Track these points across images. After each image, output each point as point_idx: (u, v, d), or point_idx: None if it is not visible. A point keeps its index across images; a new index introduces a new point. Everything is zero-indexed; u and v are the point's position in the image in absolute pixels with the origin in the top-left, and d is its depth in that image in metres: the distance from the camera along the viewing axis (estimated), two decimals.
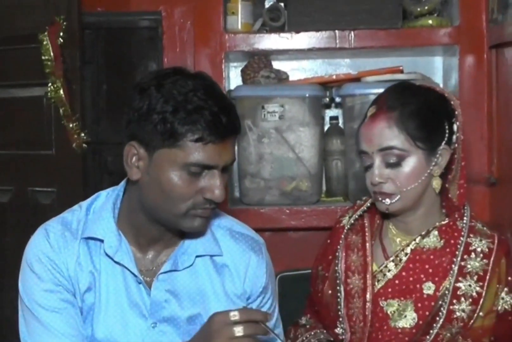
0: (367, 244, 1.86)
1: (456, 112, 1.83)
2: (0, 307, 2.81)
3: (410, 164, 1.77)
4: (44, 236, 1.68)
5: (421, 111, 1.78)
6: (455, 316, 1.77)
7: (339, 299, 1.86)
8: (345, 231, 1.91)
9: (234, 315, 1.50)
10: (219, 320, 1.52)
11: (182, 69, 1.66)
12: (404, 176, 1.77)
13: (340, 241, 1.90)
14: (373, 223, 1.90)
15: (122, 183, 1.74)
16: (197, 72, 1.67)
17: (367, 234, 1.87)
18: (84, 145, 2.63)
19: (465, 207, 1.86)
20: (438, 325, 1.77)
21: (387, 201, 1.79)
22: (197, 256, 1.71)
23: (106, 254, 1.67)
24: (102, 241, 1.67)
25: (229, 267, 1.74)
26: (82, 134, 2.61)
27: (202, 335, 1.55)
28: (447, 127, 1.81)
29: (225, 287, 1.73)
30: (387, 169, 1.78)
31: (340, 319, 1.85)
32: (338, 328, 1.86)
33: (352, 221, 1.91)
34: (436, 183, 1.81)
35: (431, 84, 1.91)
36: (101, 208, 1.70)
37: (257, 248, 1.78)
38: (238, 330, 1.49)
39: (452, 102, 1.84)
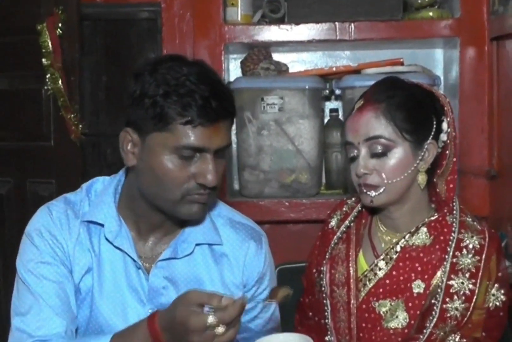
0: (351, 254, 1.83)
1: (446, 109, 1.81)
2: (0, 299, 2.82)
3: (396, 155, 1.74)
4: (47, 213, 1.68)
5: (408, 103, 1.76)
6: (448, 314, 1.74)
7: (326, 313, 1.85)
8: (335, 240, 1.88)
9: (212, 321, 1.42)
10: (196, 323, 1.43)
11: (179, 56, 1.65)
12: (389, 168, 1.75)
13: (328, 251, 1.88)
14: (359, 227, 1.88)
15: (122, 170, 1.73)
16: (196, 60, 1.66)
17: (351, 244, 1.85)
18: (82, 136, 2.62)
19: (454, 201, 1.84)
20: (432, 325, 1.74)
21: (372, 193, 1.76)
22: (196, 245, 1.70)
23: (107, 239, 1.67)
24: (102, 225, 1.67)
25: (228, 256, 1.74)
26: (80, 126, 2.61)
27: (177, 327, 1.46)
28: (434, 122, 1.78)
29: (223, 276, 1.73)
30: (373, 160, 1.75)
31: (328, 332, 1.85)
32: (328, 336, 1.86)
33: (344, 229, 1.88)
34: (422, 179, 1.78)
35: (419, 81, 1.89)
36: (103, 193, 1.71)
37: (257, 238, 1.77)
38: (219, 331, 1.43)
39: (440, 99, 1.82)
